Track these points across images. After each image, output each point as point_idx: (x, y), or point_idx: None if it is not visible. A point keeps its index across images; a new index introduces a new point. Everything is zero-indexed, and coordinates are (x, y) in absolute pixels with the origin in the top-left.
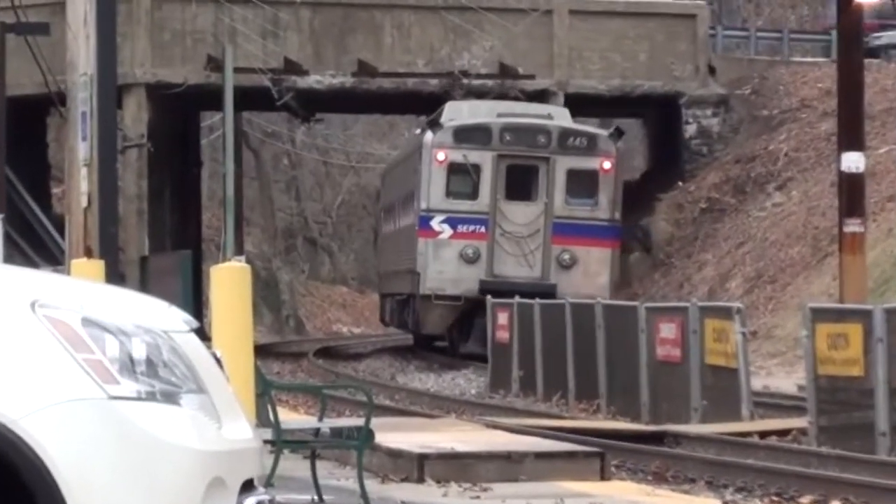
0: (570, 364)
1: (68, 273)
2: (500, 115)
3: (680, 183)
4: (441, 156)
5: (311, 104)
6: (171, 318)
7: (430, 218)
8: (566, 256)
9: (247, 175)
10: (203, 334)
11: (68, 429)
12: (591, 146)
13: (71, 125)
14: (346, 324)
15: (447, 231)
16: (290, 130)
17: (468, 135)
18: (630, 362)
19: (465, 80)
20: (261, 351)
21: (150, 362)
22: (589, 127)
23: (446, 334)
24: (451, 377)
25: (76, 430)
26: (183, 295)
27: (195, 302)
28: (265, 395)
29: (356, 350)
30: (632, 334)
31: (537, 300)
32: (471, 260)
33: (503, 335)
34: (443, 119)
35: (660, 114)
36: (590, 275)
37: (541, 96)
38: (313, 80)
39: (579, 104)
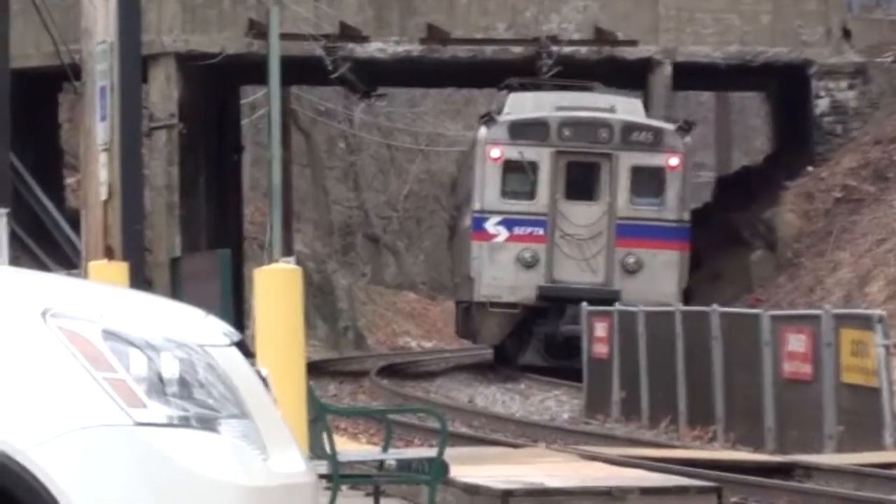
0: (680, 383)
1: (85, 277)
2: (558, 109)
3: (810, 168)
4: (495, 153)
5: (372, 77)
6: (207, 330)
7: (485, 219)
8: (631, 260)
9: (296, 161)
10: (246, 349)
11: (86, 460)
12: (656, 141)
13: (87, 103)
14: (414, 337)
15: (503, 233)
16: (348, 108)
17: (524, 130)
18: (752, 381)
19: (553, 48)
20: (314, 369)
21: (183, 382)
22: (654, 121)
23: (507, 344)
24: (539, 399)
25: (96, 462)
26: (222, 302)
27: (236, 311)
28: (320, 420)
29: (427, 368)
30: (754, 348)
31: (641, 307)
32: (528, 264)
33: (601, 350)
34: (504, 112)
35: (785, 86)
36: (657, 279)
37: (644, 66)
38: (374, 49)
39: (690, 75)
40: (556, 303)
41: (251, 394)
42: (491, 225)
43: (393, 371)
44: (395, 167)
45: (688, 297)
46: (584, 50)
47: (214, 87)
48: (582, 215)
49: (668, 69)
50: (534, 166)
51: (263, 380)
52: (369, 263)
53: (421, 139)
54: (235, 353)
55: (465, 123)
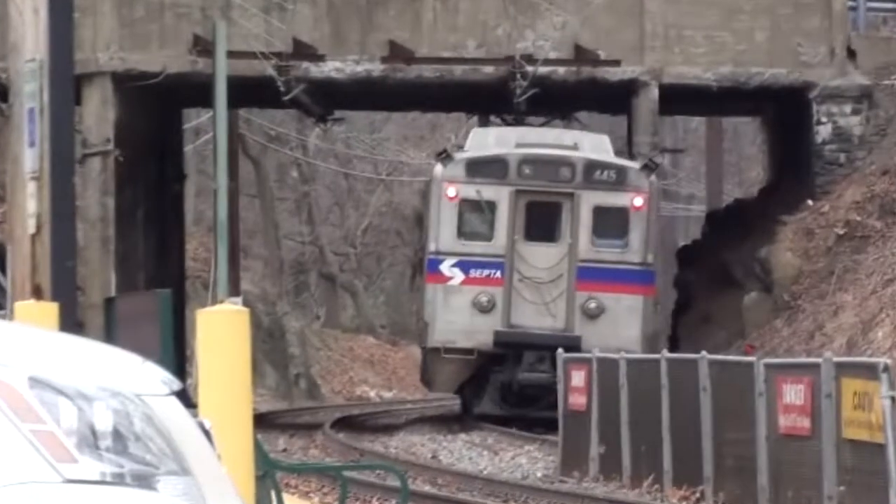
0: (665, 438)
1: (11, 319)
2: (518, 146)
3: (810, 202)
4: (451, 191)
5: (329, 99)
6: (145, 378)
7: (440, 261)
8: (592, 304)
9: (244, 192)
10: (187, 399)
11: None
12: (620, 180)
13: (14, 127)
14: (373, 386)
15: (458, 276)
16: (301, 134)
17: (482, 168)
18: (744, 436)
19: (528, 68)
20: (262, 421)
21: (117, 435)
22: (618, 159)
23: (465, 393)
24: (510, 455)
25: None
26: (161, 348)
27: (177, 357)
28: (268, 477)
29: (387, 420)
30: (747, 399)
31: (622, 354)
32: (485, 308)
33: (578, 400)
34: (466, 148)
35: (783, 111)
36: (619, 325)
37: (628, 88)
38: (331, 68)
39: (678, 98)
40: (513, 349)
41: (192, 448)
42: (446, 267)
43: (349, 423)
44: (353, 199)
45: (674, 342)
46: (561, 70)
47: (155, 109)
48: (541, 257)
49: (654, 92)
50: (491, 206)
51: (206, 433)
52: (324, 305)
53: (382, 168)
54: (176, 404)
55: (431, 151)
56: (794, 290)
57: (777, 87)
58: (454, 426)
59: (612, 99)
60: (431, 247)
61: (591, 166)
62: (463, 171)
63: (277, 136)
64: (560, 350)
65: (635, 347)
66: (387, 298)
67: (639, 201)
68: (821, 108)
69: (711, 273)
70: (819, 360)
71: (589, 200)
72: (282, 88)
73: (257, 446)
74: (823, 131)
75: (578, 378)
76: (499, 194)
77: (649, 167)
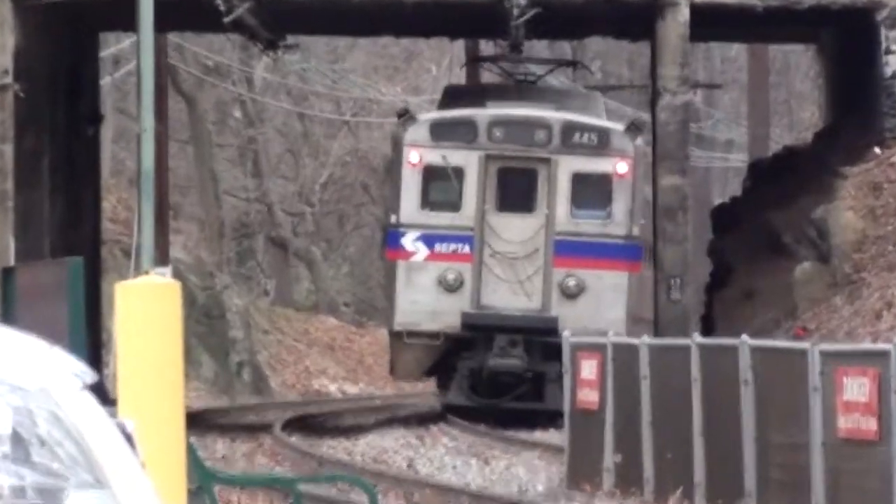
0: (697, 443)
1: None
2: (490, 105)
3: (877, 149)
4: (414, 157)
5: (280, 21)
6: (51, 369)
7: (401, 234)
8: (571, 282)
9: (175, 136)
10: (104, 394)
11: None
12: (602, 143)
13: None
14: (335, 378)
15: (422, 251)
16: (246, 64)
17: (448, 130)
18: (795, 440)
19: None
20: (197, 421)
21: (17, 439)
22: (601, 120)
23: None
24: (504, 465)
25: None
26: (71, 330)
27: (91, 342)
28: (204, 491)
29: (352, 420)
30: (799, 394)
31: (644, 339)
32: (451, 287)
33: (589, 397)
34: (438, 107)
35: (844, 37)
36: (601, 305)
37: (652, 9)
38: None
39: (714, 22)
40: (483, 332)
41: (110, 455)
42: (409, 241)
43: (305, 424)
44: (309, 145)
45: (709, 324)
46: None
47: (63, 34)
48: (515, 230)
49: (684, 13)
50: (459, 173)
51: (127, 436)
52: (273, 277)
53: (346, 107)
54: (90, 400)
55: (407, 86)
56: (856, 260)
57: (836, 8)
58: (434, 428)
59: (631, 21)
60: (392, 218)
61: (570, 128)
62: (427, 133)
63: (216, 68)
64: (566, 334)
65: (620, 329)
66: (351, 269)
67: (623, 167)
68: (890, 33)
69: (754, 238)
70: (888, 346)
71: (567, 166)
72: (221, 7)
73: (191, 453)
74: (893, 62)
75: (589, 369)
76: (467, 160)
77: (634, 129)
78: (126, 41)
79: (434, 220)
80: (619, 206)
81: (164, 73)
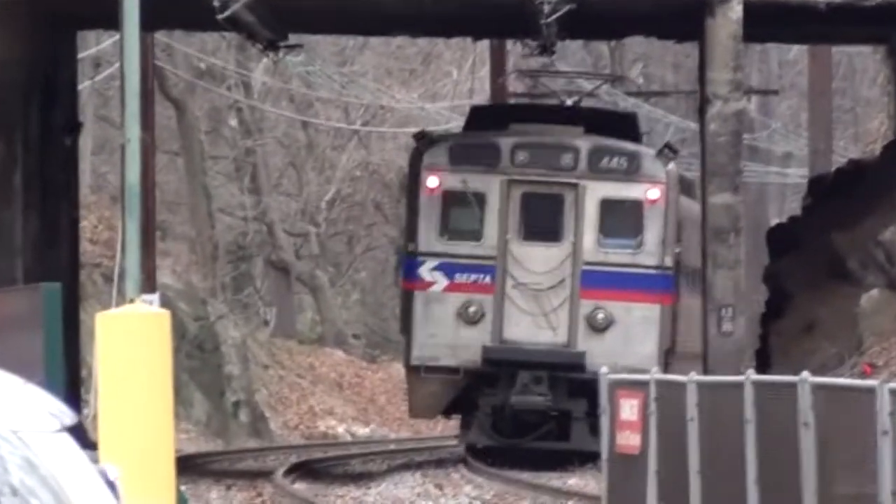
0: (752, 492)
1: None
2: (513, 127)
3: None
4: (433, 181)
5: (281, 18)
6: (25, 408)
7: (419, 263)
8: (599, 315)
9: (163, 147)
10: (84, 437)
11: None
12: (632, 168)
13: None
14: (343, 418)
15: (441, 281)
16: (243, 67)
17: (469, 153)
18: (863, 490)
19: None
20: (189, 467)
21: None
22: (631, 144)
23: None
24: None
25: None
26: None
27: (69, 378)
28: None
29: (362, 466)
30: (866, 439)
31: (692, 376)
32: (472, 320)
33: (630, 441)
34: (464, 127)
35: None
36: (631, 339)
37: (701, 6)
38: None
39: (770, 20)
40: (505, 367)
41: None
42: (426, 270)
43: (310, 471)
44: (314, 158)
45: (764, 359)
46: None
47: (38, 32)
48: (540, 260)
49: (736, 10)
50: (480, 198)
51: (110, 484)
52: (274, 305)
53: (355, 115)
54: (68, 444)
55: (424, 92)
56: None
57: None
58: (455, 474)
59: (677, 19)
60: (409, 246)
61: (598, 152)
62: (446, 157)
63: (209, 71)
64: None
65: (650, 365)
66: (361, 297)
67: (654, 193)
68: None
69: (816, 263)
70: None
71: (595, 192)
72: (216, 3)
73: (181, 502)
74: None
75: (630, 409)
76: (489, 185)
77: (667, 153)
78: (108, 41)
79: (454, 248)
80: (651, 234)
81: (151, 77)
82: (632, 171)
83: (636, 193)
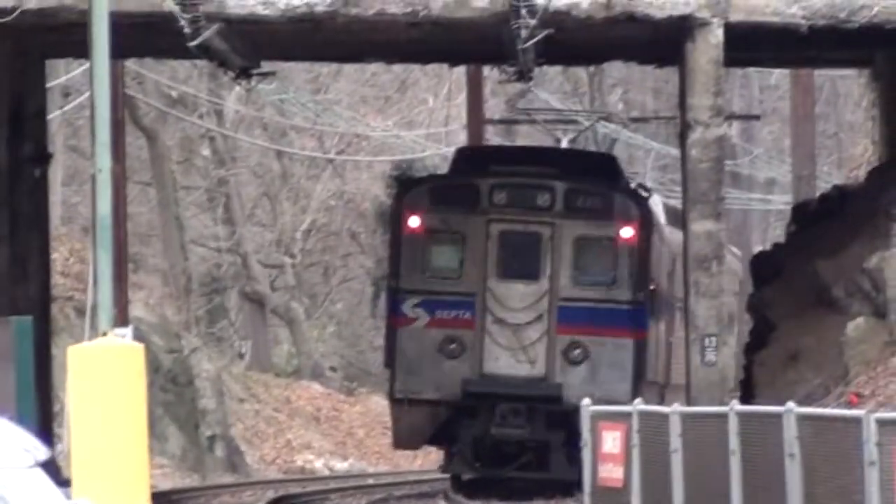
0: None
1: None
2: (493, 169)
3: None
4: (414, 221)
5: (254, 46)
6: None
7: (402, 300)
8: (575, 349)
9: (135, 178)
10: (56, 472)
11: None
12: (606, 208)
13: None
14: (320, 453)
15: (423, 317)
16: (215, 95)
17: (449, 194)
18: None
19: (538, 1)
20: (163, 503)
21: None
22: (606, 184)
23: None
24: None
25: None
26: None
27: (40, 413)
28: None
29: (341, 502)
30: (852, 469)
31: (675, 407)
32: (453, 354)
33: (612, 473)
34: (450, 168)
35: None
36: (606, 373)
37: (680, 29)
38: (257, 1)
39: (752, 43)
40: (485, 400)
41: None
42: (409, 307)
43: None
44: (289, 187)
45: (748, 390)
46: (585, 3)
47: (6, 60)
48: (518, 296)
49: (717, 34)
50: (460, 237)
51: None
52: (249, 338)
53: (330, 144)
54: (41, 479)
55: (400, 119)
56: None
57: (892, 27)
58: None
59: (657, 44)
60: (392, 283)
61: (573, 192)
62: (427, 197)
63: (181, 99)
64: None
65: (624, 398)
66: (338, 329)
67: (627, 232)
68: None
69: (801, 291)
70: None
71: (571, 231)
72: (186, 30)
73: None
74: None
75: (612, 441)
76: (468, 224)
77: (639, 193)
78: (78, 69)
79: (435, 285)
80: (624, 270)
81: (122, 106)
82: (605, 210)
83: (609, 232)
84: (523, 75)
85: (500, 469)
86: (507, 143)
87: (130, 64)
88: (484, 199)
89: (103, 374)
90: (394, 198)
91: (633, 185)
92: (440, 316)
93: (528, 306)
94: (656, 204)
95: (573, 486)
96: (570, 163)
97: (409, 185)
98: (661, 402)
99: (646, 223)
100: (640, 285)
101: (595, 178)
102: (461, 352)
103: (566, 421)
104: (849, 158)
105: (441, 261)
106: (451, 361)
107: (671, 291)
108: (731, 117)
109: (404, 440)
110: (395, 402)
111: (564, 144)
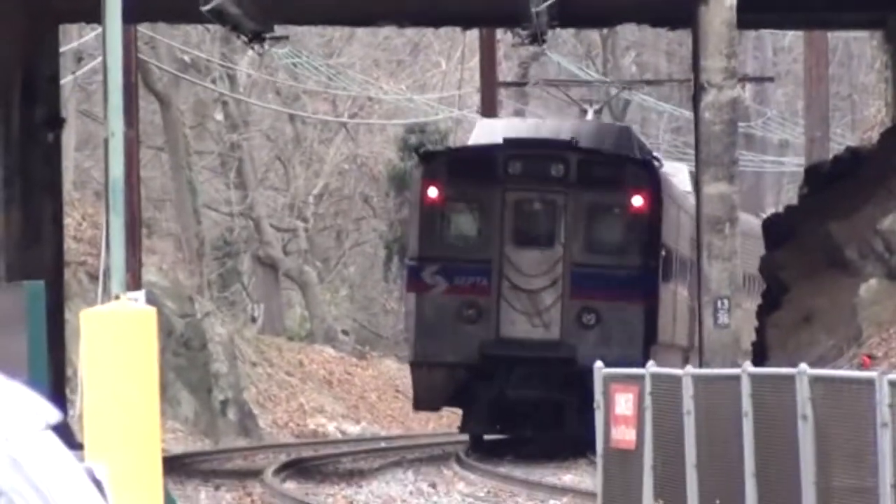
0: (749, 486)
1: None
2: (507, 141)
3: None
4: (433, 192)
5: (266, 9)
6: (9, 407)
7: (421, 268)
8: (588, 314)
9: (147, 142)
10: (69, 436)
11: None
12: (618, 177)
13: None
14: (333, 416)
15: (441, 284)
16: (228, 60)
17: (467, 166)
18: (863, 483)
19: None
20: (176, 467)
21: None
22: (618, 154)
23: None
24: None
25: None
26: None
27: (53, 377)
28: None
29: (353, 465)
30: (865, 431)
31: (688, 369)
32: (471, 319)
33: (624, 435)
34: (471, 141)
35: None
36: (617, 336)
37: None
38: None
39: (767, 5)
40: (502, 362)
41: None
42: (428, 274)
43: (300, 470)
44: (301, 151)
45: (761, 352)
46: None
47: (17, 25)
48: (533, 263)
49: None
50: (478, 207)
51: (97, 482)
52: (262, 302)
53: (343, 108)
54: (54, 443)
55: (413, 83)
56: None
57: None
58: (448, 472)
59: (670, 6)
60: (412, 251)
61: (587, 162)
62: (445, 169)
63: (194, 64)
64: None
65: (636, 360)
66: (351, 292)
67: (639, 201)
68: None
69: (813, 253)
70: None
71: (584, 200)
72: None
73: (169, 503)
74: None
75: (624, 403)
76: (485, 194)
77: (651, 163)
78: (91, 34)
79: (452, 253)
80: (636, 238)
81: (135, 70)
82: (618, 180)
83: (622, 200)
84: (536, 38)
85: (516, 430)
86: (521, 107)
87: (143, 29)
88: (500, 169)
89: (116, 339)
90: (414, 169)
91: (644, 157)
92: (458, 283)
93: (543, 273)
94: (680, 171)
95: (586, 447)
96: (585, 133)
97: (428, 158)
98: (685, 365)
99: (656, 192)
100: (651, 252)
101: (608, 148)
102: (478, 317)
103: (580, 382)
104: (862, 120)
105: (459, 230)
106: (468, 326)
107: (694, 257)
108: (744, 79)
109: (424, 402)
110: (415, 365)
111: (590, 115)
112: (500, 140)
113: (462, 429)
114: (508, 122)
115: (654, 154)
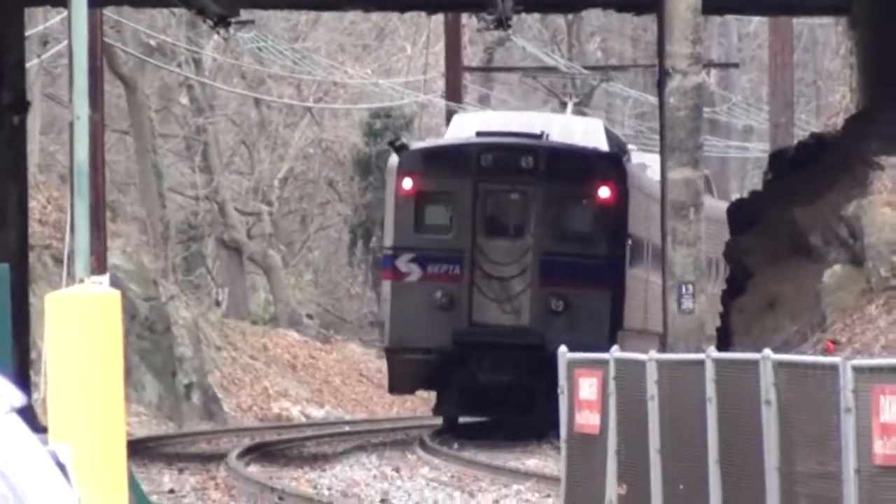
0: (713, 473)
1: None
2: (479, 135)
3: None
4: (408, 184)
5: None
6: None
7: (396, 256)
8: (557, 301)
9: (113, 126)
10: (33, 419)
11: None
12: (586, 169)
13: None
14: (297, 400)
15: (416, 272)
16: (194, 43)
17: (440, 159)
18: (826, 468)
19: None
20: (140, 450)
21: None
22: (585, 147)
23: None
24: (492, 498)
25: None
26: None
27: (17, 360)
28: None
29: (317, 448)
30: (829, 416)
31: (653, 354)
32: (444, 306)
33: (588, 420)
34: (447, 134)
35: (879, 9)
36: (585, 323)
37: None
38: None
39: None
40: (474, 348)
41: (40, 488)
42: (403, 263)
43: (264, 454)
44: (266, 135)
45: (726, 337)
46: None
47: None
48: (504, 252)
49: None
50: (450, 198)
51: (61, 465)
52: (226, 286)
53: (308, 92)
54: (17, 425)
55: (378, 67)
56: (894, 262)
57: None
58: (411, 456)
59: None
60: (387, 241)
61: (555, 155)
62: (420, 162)
63: (159, 48)
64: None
65: (602, 346)
66: (315, 276)
67: (606, 192)
68: None
69: (778, 238)
70: None
71: (553, 192)
72: None
73: (133, 486)
74: None
75: (588, 388)
76: (458, 186)
77: (618, 156)
78: (56, 17)
79: (427, 243)
80: (602, 227)
81: (100, 54)
82: (586, 171)
83: (590, 192)
84: (502, 23)
85: (488, 412)
86: (487, 91)
87: (109, 12)
88: (472, 162)
89: (80, 322)
90: (389, 162)
91: (612, 150)
92: (432, 271)
93: (514, 261)
94: (656, 162)
95: (556, 430)
96: (554, 126)
97: (402, 151)
98: (663, 351)
99: (622, 183)
100: (618, 241)
101: (582, 140)
102: (451, 304)
103: (549, 367)
104: (826, 106)
105: (433, 220)
106: (442, 313)
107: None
108: (709, 65)
109: (399, 386)
110: (390, 351)
111: (570, 108)
112: (473, 134)
113: (436, 411)
114: (484, 116)
115: (629, 146)
